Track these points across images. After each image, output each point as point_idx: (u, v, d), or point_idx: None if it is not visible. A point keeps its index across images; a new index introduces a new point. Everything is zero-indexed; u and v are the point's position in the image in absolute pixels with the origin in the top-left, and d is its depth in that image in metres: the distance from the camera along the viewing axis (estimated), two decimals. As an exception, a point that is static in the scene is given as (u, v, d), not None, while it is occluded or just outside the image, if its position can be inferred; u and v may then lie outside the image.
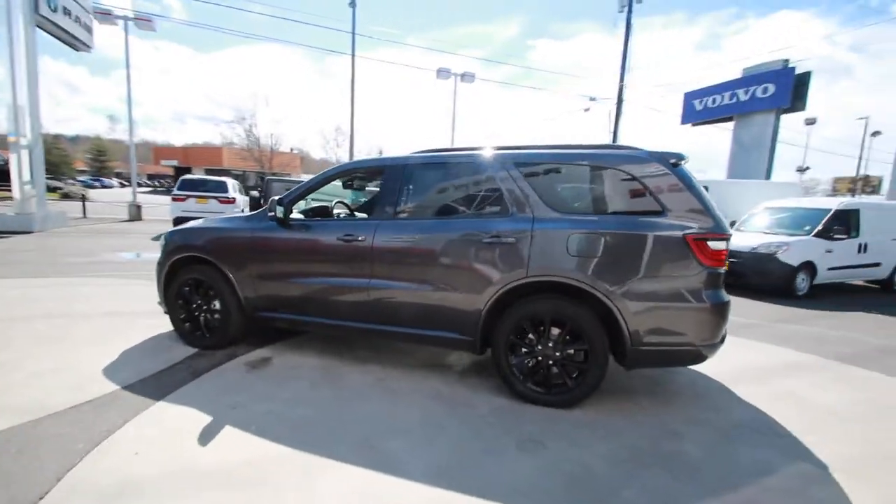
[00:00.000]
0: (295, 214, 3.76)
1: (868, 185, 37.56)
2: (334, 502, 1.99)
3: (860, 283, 9.22)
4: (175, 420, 2.65)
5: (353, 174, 4.07)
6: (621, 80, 24.71)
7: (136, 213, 16.03)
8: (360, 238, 3.31)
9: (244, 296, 3.69)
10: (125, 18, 14.92)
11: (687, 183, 2.83)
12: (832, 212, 7.93)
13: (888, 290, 8.83)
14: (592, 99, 29.72)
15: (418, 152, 3.56)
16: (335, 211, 4.30)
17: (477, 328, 3.08)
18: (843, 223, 7.95)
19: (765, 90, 21.00)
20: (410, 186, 3.38)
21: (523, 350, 3.04)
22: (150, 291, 5.84)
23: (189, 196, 12.33)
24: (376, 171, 3.62)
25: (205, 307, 3.88)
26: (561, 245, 2.86)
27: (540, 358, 2.98)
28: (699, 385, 3.55)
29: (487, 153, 3.22)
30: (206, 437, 2.47)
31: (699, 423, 2.88)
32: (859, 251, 8.11)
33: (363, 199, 7.45)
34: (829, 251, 7.76)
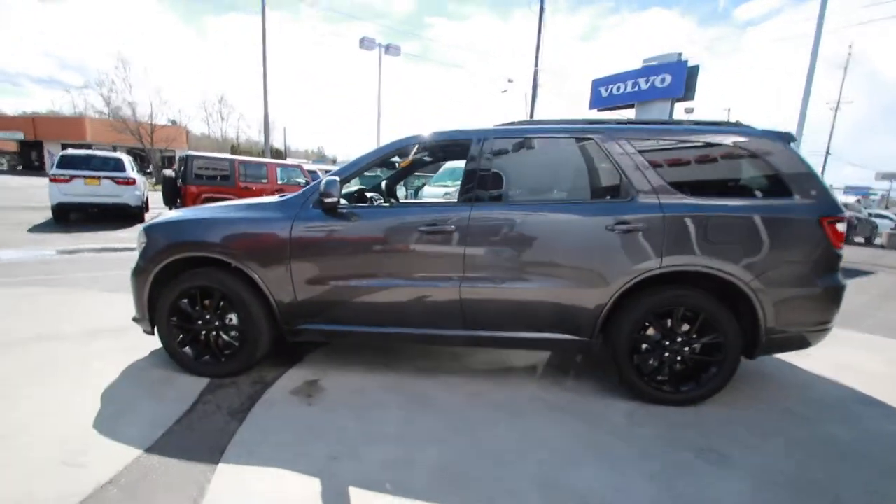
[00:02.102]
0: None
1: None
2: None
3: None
4: (272, 490, 1.90)
5: (423, 148, 3.35)
6: (536, 63, 25.52)
7: (-16, 199, 12.55)
8: (448, 228, 2.71)
9: (279, 303, 2.87)
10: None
11: (805, 162, 2.73)
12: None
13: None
14: (510, 81, 30.33)
15: (507, 124, 3.01)
16: (368, 195, 3.56)
17: (595, 327, 2.72)
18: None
19: (663, 80, 23.12)
20: (507, 165, 2.84)
21: (646, 347, 2.77)
22: (82, 301, 4.50)
23: (74, 176, 9.90)
24: (457, 145, 3.00)
25: (217, 323, 2.96)
26: (698, 231, 2.59)
27: (667, 354, 2.73)
28: (757, 362, 3.61)
29: (596, 127, 2.81)
30: (340, 511, 1.79)
31: (813, 404, 2.88)
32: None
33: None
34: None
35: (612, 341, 2.75)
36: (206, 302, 2.96)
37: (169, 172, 10.02)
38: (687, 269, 2.61)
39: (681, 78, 23.42)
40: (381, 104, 20.92)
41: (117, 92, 30.68)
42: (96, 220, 10.61)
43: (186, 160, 9.42)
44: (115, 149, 31.11)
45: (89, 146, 32.40)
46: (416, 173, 12.40)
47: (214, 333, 2.98)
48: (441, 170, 15.65)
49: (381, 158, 2.98)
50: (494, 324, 2.81)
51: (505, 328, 2.81)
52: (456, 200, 2.84)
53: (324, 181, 2.72)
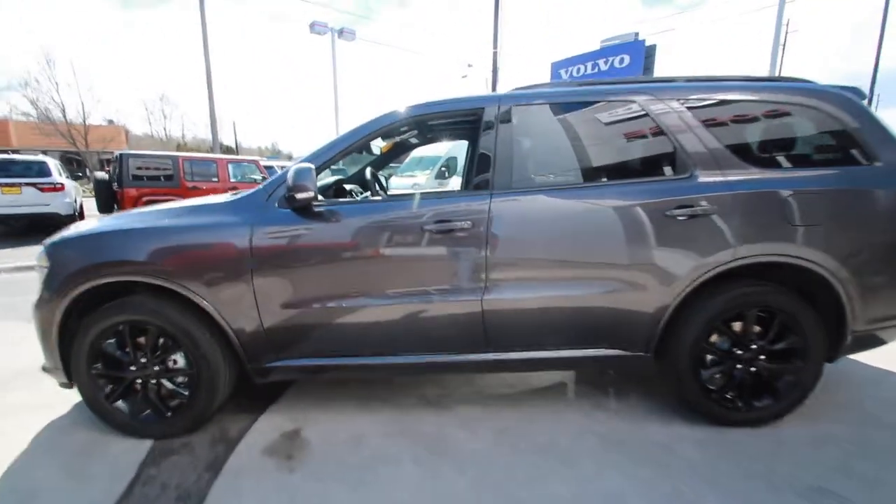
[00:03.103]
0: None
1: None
2: None
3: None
4: None
5: (417, 124, 2.65)
6: (495, 46, 25.08)
7: None
8: (462, 224, 2.08)
9: (240, 335, 2.17)
10: None
11: (882, 122, 2.27)
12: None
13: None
14: (470, 66, 29.76)
15: (527, 88, 2.38)
16: (348, 188, 2.85)
17: (653, 338, 2.18)
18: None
19: (622, 61, 23.16)
20: (534, 139, 2.23)
21: (711, 358, 2.25)
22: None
23: (-13, 185, 8.53)
24: (463, 116, 2.36)
25: (156, 368, 2.23)
26: (776, 212, 2.07)
27: (739, 365, 2.22)
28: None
29: (640, 87, 2.23)
30: None
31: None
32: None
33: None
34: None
35: (671, 354, 2.21)
36: (141, 340, 2.22)
37: (101, 175, 8.83)
38: (768, 261, 2.10)
39: (639, 58, 23.58)
40: (338, 93, 19.77)
41: (44, 92, 27.77)
42: (21, 235, 9.26)
43: (121, 160, 8.27)
44: (45, 153, 28.35)
45: (16, 152, 29.34)
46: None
47: (154, 381, 2.24)
48: (408, 159, 14.89)
49: (364, 139, 2.29)
50: (525, 342, 2.22)
51: (538, 347, 2.22)
52: (457, 189, 2.22)
53: (293, 171, 2.02)
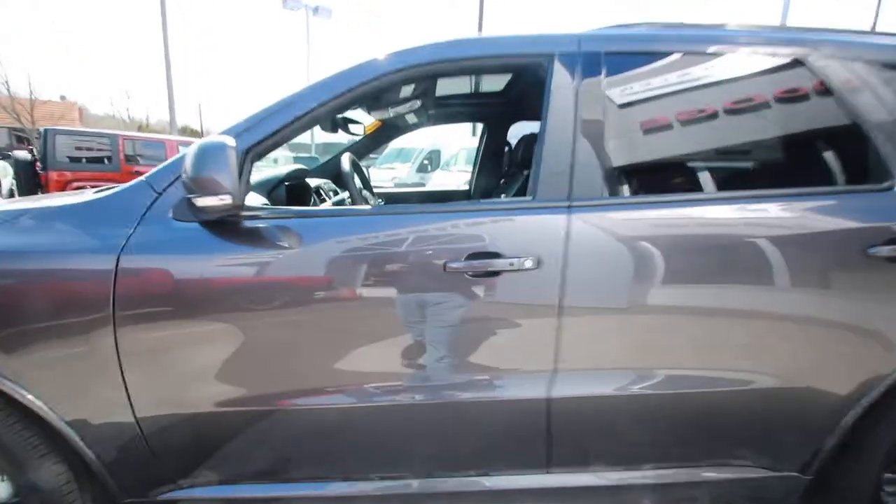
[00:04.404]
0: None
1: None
2: None
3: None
4: None
5: (415, 83, 1.64)
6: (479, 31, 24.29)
7: None
8: (520, 263, 1.15)
9: (93, 443, 1.18)
10: None
11: None
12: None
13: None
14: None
15: (621, 27, 1.45)
16: (314, 184, 1.86)
17: (820, 450, 1.31)
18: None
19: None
20: (636, 113, 1.30)
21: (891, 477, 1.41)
22: None
23: None
24: (510, 66, 1.43)
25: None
26: None
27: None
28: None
29: (808, 38, 1.34)
30: None
31: None
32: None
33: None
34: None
35: (843, 474, 1.35)
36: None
37: (23, 154, 7.45)
38: None
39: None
40: (312, 76, 18.50)
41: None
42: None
43: (46, 137, 6.93)
44: (-17, 131, 25.76)
45: (-50, 127, 26.48)
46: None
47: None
48: (387, 150, 13.70)
49: (329, 105, 1.27)
50: (613, 458, 1.32)
51: (632, 464, 1.32)
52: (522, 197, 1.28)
53: (194, 151, 1.04)
